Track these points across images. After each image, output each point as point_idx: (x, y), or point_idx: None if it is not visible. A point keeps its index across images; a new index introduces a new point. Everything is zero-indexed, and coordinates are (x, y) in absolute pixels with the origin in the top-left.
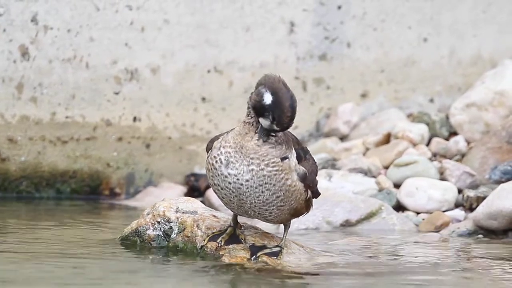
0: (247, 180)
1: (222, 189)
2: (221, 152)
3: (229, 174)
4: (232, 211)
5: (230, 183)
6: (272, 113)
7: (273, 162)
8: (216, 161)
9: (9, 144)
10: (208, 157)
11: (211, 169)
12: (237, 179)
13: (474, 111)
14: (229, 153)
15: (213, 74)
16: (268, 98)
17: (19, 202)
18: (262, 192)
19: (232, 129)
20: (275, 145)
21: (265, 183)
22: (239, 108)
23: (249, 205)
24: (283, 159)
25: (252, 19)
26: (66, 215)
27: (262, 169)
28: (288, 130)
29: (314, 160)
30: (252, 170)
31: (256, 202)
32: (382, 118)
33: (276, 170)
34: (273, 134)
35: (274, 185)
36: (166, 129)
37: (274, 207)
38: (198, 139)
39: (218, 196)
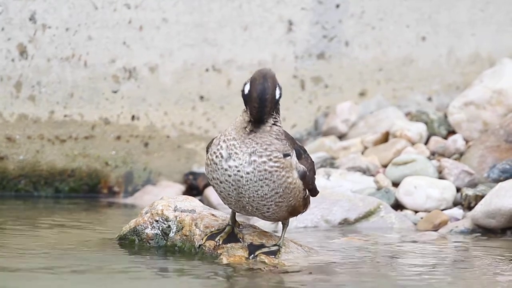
0: (247, 173)
1: (221, 182)
2: (221, 147)
3: (229, 166)
4: (229, 206)
5: (230, 175)
6: (246, 103)
7: (275, 157)
8: (217, 156)
9: (8, 143)
10: (208, 153)
11: (211, 163)
12: (238, 171)
13: (473, 109)
14: (234, 145)
15: (212, 73)
16: (246, 89)
17: (17, 201)
18: (261, 186)
19: (231, 125)
20: (281, 139)
21: (265, 179)
22: (237, 106)
23: (247, 200)
24: (285, 155)
25: (250, 18)
26: (65, 213)
27: (264, 162)
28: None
29: (311, 158)
30: (254, 161)
31: (255, 197)
32: (381, 117)
33: (278, 167)
34: (258, 124)
35: (274, 181)
36: (165, 128)
37: (273, 202)
38: (196, 138)
39: (216, 191)
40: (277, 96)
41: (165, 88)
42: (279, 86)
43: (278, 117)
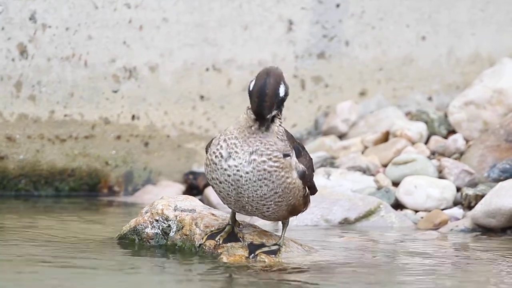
0: (247, 173)
1: (220, 182)
2: (221, 146)
3: (229, 166)
4: (229, 206)
5: (229, 175)
6: (249, 99)
7: (275, 156)
8: (216, 156)
9: (8, 143)
10: (207, 154)
11: (210, 163)
12: (238, 170)
13: (473, 109)
14: (235, 144)
15: (212, 72)
16: (251, 86)
17: (17, 200)
18: (260, 186)
19: (232, 124)
20: (283, 140)
21: (264, 179)
22: (237, 106)
23: (246, 199)
24: (285, 155)
25: (250, 17)
26: (65, 213)
27: (264, 162)
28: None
29: (309, 155)
30: (254, 160)
31: (254, 196)
32: (381, 116)
33: (277, 167)
34: (264, 122)
35: (273, 182)
36: (165, 127)
37: (272, 202)
38: (197, 137)
39: (216, 191)
40: (281, 94)
41: (165, 87)
42: (285, 84)
43: (281, 117)
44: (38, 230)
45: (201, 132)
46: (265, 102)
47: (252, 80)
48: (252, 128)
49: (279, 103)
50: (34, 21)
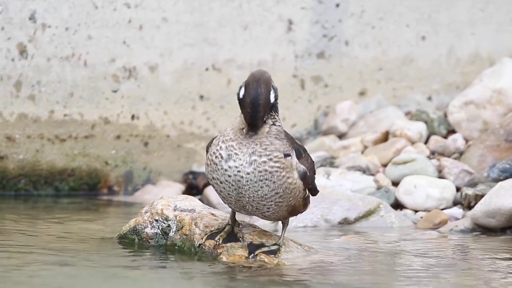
0: (248, 173)
1: (221, 182)
2: (220, 147)
3: (229, 167)
4: (229, 206)
5: (230, 176)
6: (240, 107)
7: (275, 156)
8: (217, 156)
9: (7, 142)
10: (207, 154)
11: (210, 164)
12: (238, 171)
13: (472, 109)
14: (233, 146)
15: (212, 72)
16: (241, 93)
17: (17, 200)
18: (262, 187)
19: (230, 125)
20: (281, 139)
21: (266, 179)
22: (237, 106)
23: (247, 199)
24: (286, 155)
25: (250, 17)
26: (64, 212)
27: (265, 162)
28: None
29: (311, 158)
30: (255, 161)
31: (255, 197)
32: (380, 116)
33: (278, 167)
34: (256, 129)
35: (274, 182)
36: (164, 127)
37: (273, 202)
38: (196, 137)
39: (216, 190)
40: (272, 100)
41: (165, 87)
42: (274, 88)
43: (277, 116)
44: (38, 230)
45: (201, 132)
46: (260, 113)
47: (241, 87)
48: (244, 130)
49: (271, 108)
50: (34, 21)
